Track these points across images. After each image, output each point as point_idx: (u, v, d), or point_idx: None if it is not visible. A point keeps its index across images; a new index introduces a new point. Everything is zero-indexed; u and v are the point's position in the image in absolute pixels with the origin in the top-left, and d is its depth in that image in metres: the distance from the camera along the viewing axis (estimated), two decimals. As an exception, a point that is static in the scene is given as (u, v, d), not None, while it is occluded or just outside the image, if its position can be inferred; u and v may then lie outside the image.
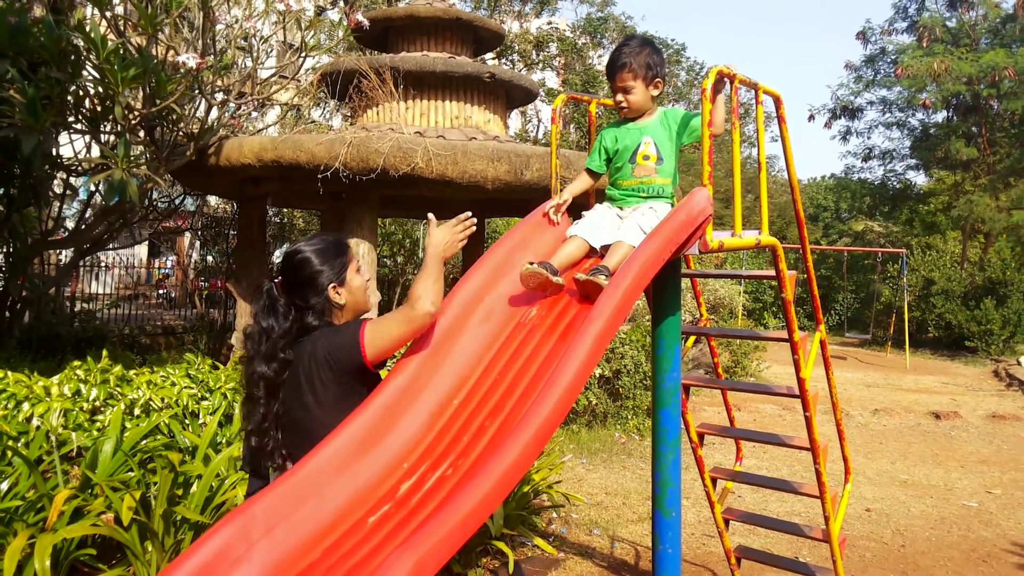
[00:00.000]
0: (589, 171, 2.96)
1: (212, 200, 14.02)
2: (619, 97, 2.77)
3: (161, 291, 17.52)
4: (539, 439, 1.86)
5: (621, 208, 2.81)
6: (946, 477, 7.46)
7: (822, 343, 3.67)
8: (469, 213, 2.58)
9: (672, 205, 2.80)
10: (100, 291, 13.64)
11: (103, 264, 13.88)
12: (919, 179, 26.87)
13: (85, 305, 11.90)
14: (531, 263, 2.52)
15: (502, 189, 6.74)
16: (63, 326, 9.90)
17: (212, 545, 1.85)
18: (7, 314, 8.12)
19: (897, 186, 25.95)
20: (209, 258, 14.82)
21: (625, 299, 2.20)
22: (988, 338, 18.38)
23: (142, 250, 19.75)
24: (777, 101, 3.02)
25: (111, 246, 9.82)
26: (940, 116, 23.62)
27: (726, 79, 2.57)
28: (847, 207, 31.41)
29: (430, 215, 2.62)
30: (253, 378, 2.34)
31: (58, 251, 10.00)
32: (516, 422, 1.96)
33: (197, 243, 15.09)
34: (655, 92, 2.80)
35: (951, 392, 12.89)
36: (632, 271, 2.28)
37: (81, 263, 11.95)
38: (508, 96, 8.67)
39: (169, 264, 20.25)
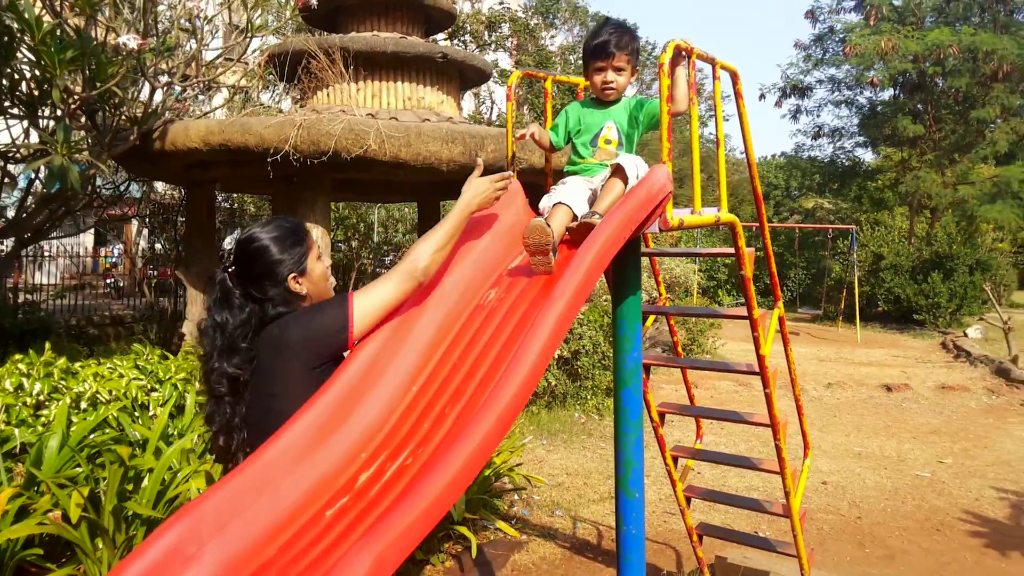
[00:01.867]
0: (550, 140, 2.87)
1: (159, 186, 13.66)
2: (610, 77, 2.68)
3: (109, 280, 17.06)
4: (502, 424, 1.80)
5: (591, 177, 2.73)
6: (899, 448, 7.63)
7: (781, 320, 3.68)
8: (510, 173, 2.57)
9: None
10: (44, 282, 13.23)
11: (47, 254, 13.47)
12: (867, 156, 27.31)
13: (29, 296, 11.53)
14: (545, 221, 2.41)
15: (457, 171, 6.65)
16: (6, 318, 9.57)
17: (161, 545, 1.76)
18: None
19: (846, 163, 26.37)
20: (157, 246, 14.47)
21: (586, 279, 2.16)
22: (936, 311, 18.83)
23: (88, 239, 19.20)
24: (734, 76, 3.00)
25: (54, 235, 9.51)
26: (887, 94, 24.01)
27: (684, 53, 2.53)
28: (797, 185, 31.88)
29: (479, 159, 2.59)
30: (214, 376, 2.18)
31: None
32: (478, 407, 1.90)
33: (145, 231, 14.72)
34: (633, 80, 2.79)
35: (901, 365, 13.19)
36: (592, 250, 2.23)
37: (23, 253, 11.57)
38: (461, 77, 8.56)
39: (116, 253, 19.73)
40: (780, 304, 3.73)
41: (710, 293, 20.73)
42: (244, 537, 1.83)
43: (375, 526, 1.64)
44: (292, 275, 2.26)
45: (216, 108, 10.49)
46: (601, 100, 2.77)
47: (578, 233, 2.49)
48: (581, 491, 5.87)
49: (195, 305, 7.99)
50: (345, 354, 2.23)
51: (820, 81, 24.86)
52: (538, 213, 2.72)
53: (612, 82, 2.69)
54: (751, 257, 3.22)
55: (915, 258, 20.28)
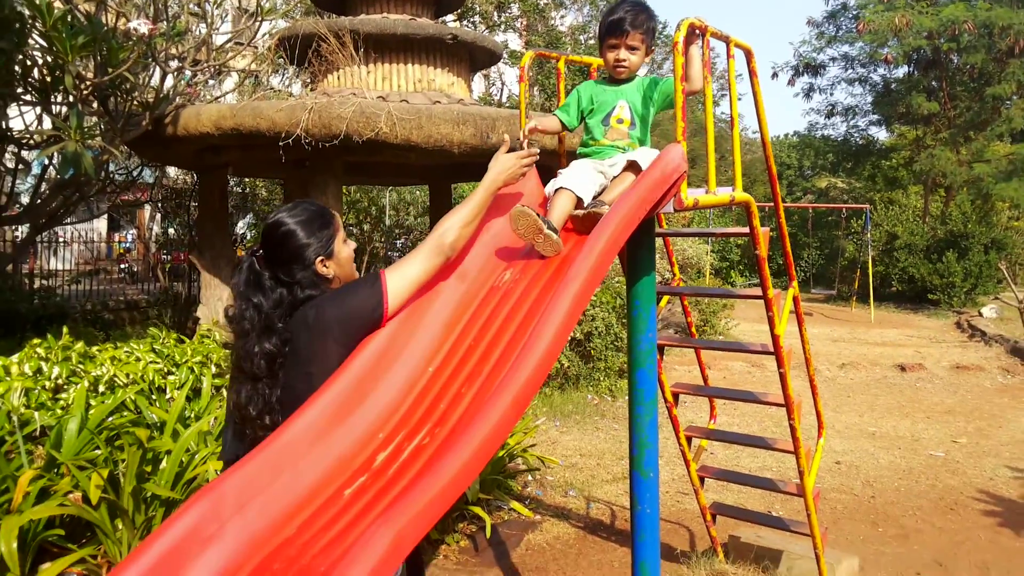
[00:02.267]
0: (561, 121, 2.84)
1: (172, 171, 13.69)
2: (623, 55, 2.65)
3: (123, 266, 17.15)
4: (518, 404, 1.81)
5: (602, 160, 2.71)
6: (913, 428, 7.62)
7: (795, 299, 3.67)
8: (536, 150, 2.57)
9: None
10: (59, 267, 13.31)
11: (61, 239, 13.55)
12: (881, 135, 27.04)
13: (44, 282, 11.62)
14: (525, 206, 2.40)
15: (468, 153, 6.64)
16: (22, 303, 9.66)
17: (181, 525, 1.78)
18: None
19: (860, 142, 26.17)
20: (171, 231, 14.52)
21: (602, 260, 2.16)
22: (950, 291, 18.72)
23: (101, 224, 19.30)
24: (748, 55, 2.97)
25: (68, 221, 9.56)
26: (901, 71, 23.78)
27: (698, 32, 2.51)
28: (810, 164, 31.65)
29: (505, 135, 2.59)
30: (255, 357, 2.18)
31: (13, 228, 9.71)
32: (494, 388, 1.91)
33: (158, 216, 14.77)
34: (647, 60, 2.76)
35: (915, 345, 13.14)
36: (607, 231, 2.23)
37: (38, 239, 11.64)
38: (471, 58, 8.52)
39: (130, 238, 19.82)
40: (795, 284, 3.72)
41: (723, 274, 20.67)
42: (264, 516, 1.85)
43: (394, 504, 1.65)
44: (320, 258, 2.28)
45: (227, 93, 10.50)
46: (614, 79, 2.75)
47: (585, 223, 2.48)
48: (594, 472, 5.90)
49: (209, 289, 8.03)
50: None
51: (833, 59, 24.66)
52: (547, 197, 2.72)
53: (624, 60, 2.66)
54: (766, 237, 3.21)
55: (929, 237, 20.14)
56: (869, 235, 18.18)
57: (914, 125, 23.42)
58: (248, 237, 15.10)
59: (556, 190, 2.61)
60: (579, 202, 2.59)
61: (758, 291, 3.29)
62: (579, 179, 2.64)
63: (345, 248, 2.37)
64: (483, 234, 2.57)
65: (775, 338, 3.36)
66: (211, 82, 11.06)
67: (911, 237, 20.12)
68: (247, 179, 13.49)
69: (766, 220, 18.74)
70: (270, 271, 2.27)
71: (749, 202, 2.98)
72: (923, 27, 20.22)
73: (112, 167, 9.90)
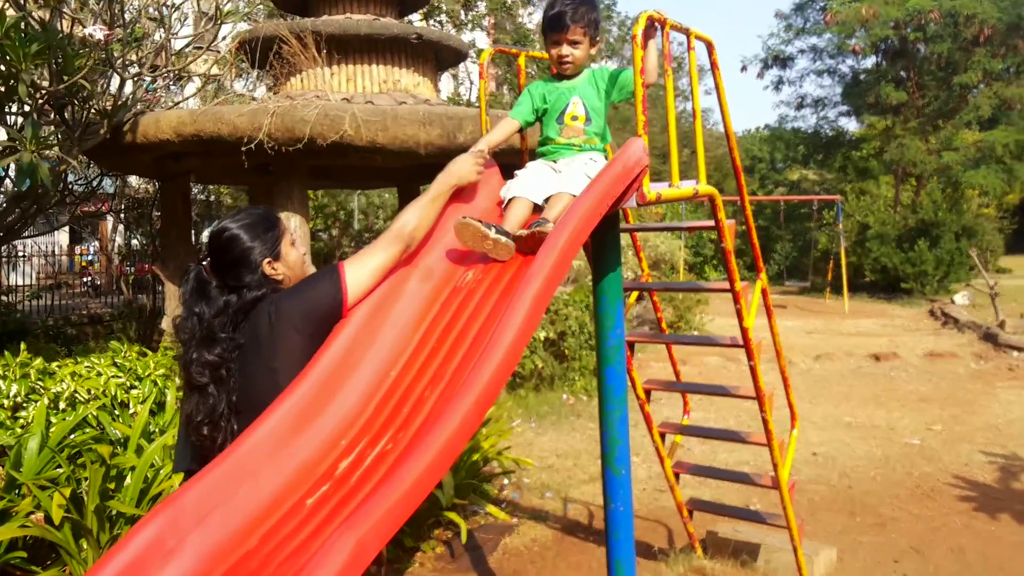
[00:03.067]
0: (516, 121, 2.78)
1: (133, 180, 13.46)
2: (565, 50, 2.62)
3: (86, 279, 16.85)
4: (480, 406, 1.76)
5: (555, 161, 2.69)
6: (888, 417, 7.66)
7: (764, 292, 3.64)
8: (483, 149, 2.62)
9: (606, 158, 2.69)
10: (19, 282, 13.04)
11: (21, 253, 13.27)
12: (851, 126, 27.26)
13: (4, 298, 11.37)
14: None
15: (435, 154, 6.55)
16: (-20, 320, 9.45)
17: (141, 539, 1.74)
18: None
19: (830, 133, 26.35)
20: (134, 242, 14.28)
21: (563, 256, 2.11)
22: (923, 279, 18.92)
23: (63, 237, 18.94)
24: (709, 47, 2.94)
25: (28, 234, 9.35)
26: (869, 61, 23.98)
27: (657, 24, 2.47)
28: (782, 157, 31.88)
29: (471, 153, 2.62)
30: (195, 367, 2.16)
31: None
32: (457, 390, 1.86)
33: (120, 227, 14.51)
34: (593, 51, 2.70)
35: (889, 334, 13.25)
36: (569, 227, 2.18)
37: (-3, 253, 11.41)
38: (437, 58, 8.44)
39: (92, 250, 19.47)
40: (763, 276, 3.70)
41: (696, 269, 20.75)
42: (224, 528, 1.80)
43: (355, 512, 1.60)
44: (267, 260, 2.28)
45: (188, 98, 10.33)
46: (563, 75, 2.71)
47: (528, 243, 2.39)
48: (571, 472, 5.86)
49: (174, 301, 7.88)
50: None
51: (802, 51, 24.80)
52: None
53: (568, 56, 2.63)
54: (732, 229, 3.19)
55: (901, 227, 20.34)
56: (841, 226, 18.31)
57: (883, 115, 23.63)
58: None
59: (510, 199, 2.61)
60: (535, 207, 2.58)
61: (726, 284, 3.26)
62: (531, 185, 2.63)
63: (293, 251, 2.37)
64: (445, 236, 2.51)
65: (744, 331, 3.33)
66: (172, 88, 10.88)
67: (883, 227, 20.30)
68: (211, 187, 13.31)
69: (738, 213, 18.84)
70: (218, 278, 2.27)
71: (714, 195, 2.95)
72: (890, 17, 20.42)
73: (71, 178, 9.70)
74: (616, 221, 2.77)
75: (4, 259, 12.82)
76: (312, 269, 2.46)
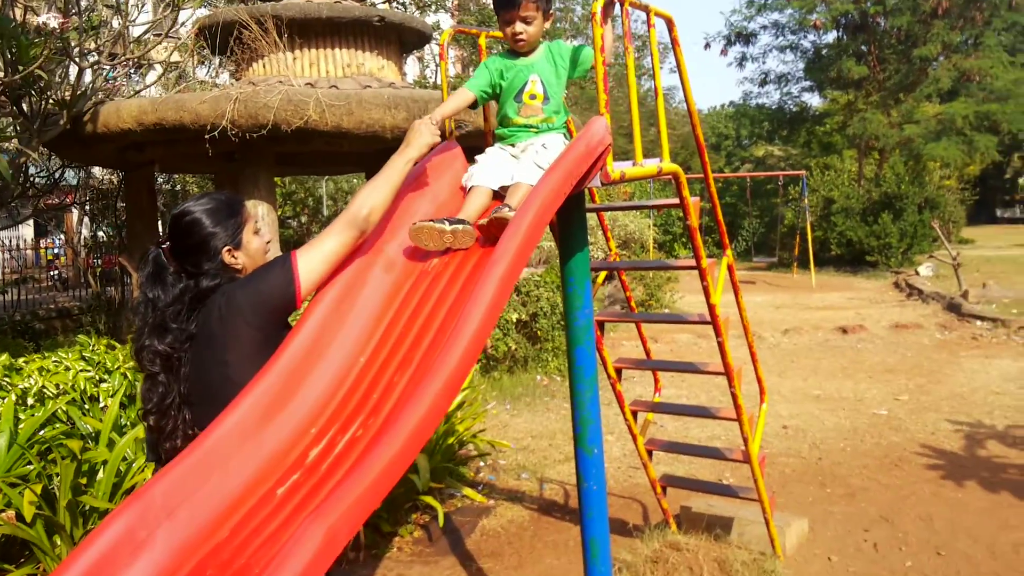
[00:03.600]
0: (472, 94, 2.70)
1: (97, 172, 13.24)
2: (519, 27, 2.58)
3: (53, 272, 16.56)
4: (449, 389, 1.77)
5: (513, 145, 2.68)
6: (856, 388, 7.79)
7: (730, 268, 3.68)
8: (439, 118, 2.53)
9: (566, 137, 2.69)
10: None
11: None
12: (814, 101, 27.58)
13: (-32, 293, 11.17)
14: (416, 222, 2.34)
15: (401, 137, 6.49)
16: (-54, 317, 9.27)
17: (110, 533, 1.73)
18: None
19: (794, 109, 26.60)
20: (100, 234, 14.05)
21: (527, 238, 2.11)
22: (887, 251, 19.21)
23: (27, 230, 18.59)
24: (669, 23, 2.95)
25: (-10, 228, 9.19)
26: (831, 36, 24.19)
27: (615, 2, 2.47)
28: (747, 134, 32.14)
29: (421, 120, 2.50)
30: (146, 354, 2.13)
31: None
32: (425, 375, 1.87)
33: (86, 219, 14.27)
34: (547, 26, 2.66)
35: (856, 307, 13.45)
36: (533, 208, 2.19)
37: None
38: (401, 40, 8.37)
39: (58, 243, 19.12)
40: (729, 252, 3.73)
41: (666, 248, 20.87)
42: (194, 520, 1.80)
43: (325, 500, 1.60)
44: (227, 248, 2.23)
45: (149, 86, 10.15)
46: (520, 52, 2.68)
47: (490, 229, 2.36)
48: (547, 453, 5.90)
49: (143, 291, 7.81)
50: (294, 318, 2.21)
51: (764, 27, 24.96)
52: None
53: (521, 33, 2.59)
54: (696, 207, 3.21)
55: (865, 200, 20.61)
56: (807, 201, 18.50)
57: (845, 90, 23.89)
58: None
59: (470, 188, 2.60)
60: (494, 195, 2.58)
61: (692, 262, 3.29)
62: (489, 172, 2.62)
63: (255, 239, 2.32)
64: (409, 220, 2.50)
65: (711, 307, 3.37)
66: (133, 77, 10.68)
67: (847, 201, 20.56)
68: (176, 176, 13.13)
69: (705, 191, 18.99)
70: (177, 264, 2.22)
71: (677, 172, 2.96)
72: (850, -9, 20.60)
73: (32, 170, 9.52)
74: (582, 201, 2.77)
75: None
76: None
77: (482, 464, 5.61)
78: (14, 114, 6.48)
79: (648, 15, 2.75)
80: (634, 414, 3.95)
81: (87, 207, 13.24)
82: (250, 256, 2.28)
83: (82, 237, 14.67)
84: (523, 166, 2.56)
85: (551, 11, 2.66)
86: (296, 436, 1.97)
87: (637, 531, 4.33)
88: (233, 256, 2.24)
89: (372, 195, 2.25)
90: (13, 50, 5.82)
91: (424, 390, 1.71)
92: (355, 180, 14.84)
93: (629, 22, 2.58)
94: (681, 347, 9.79)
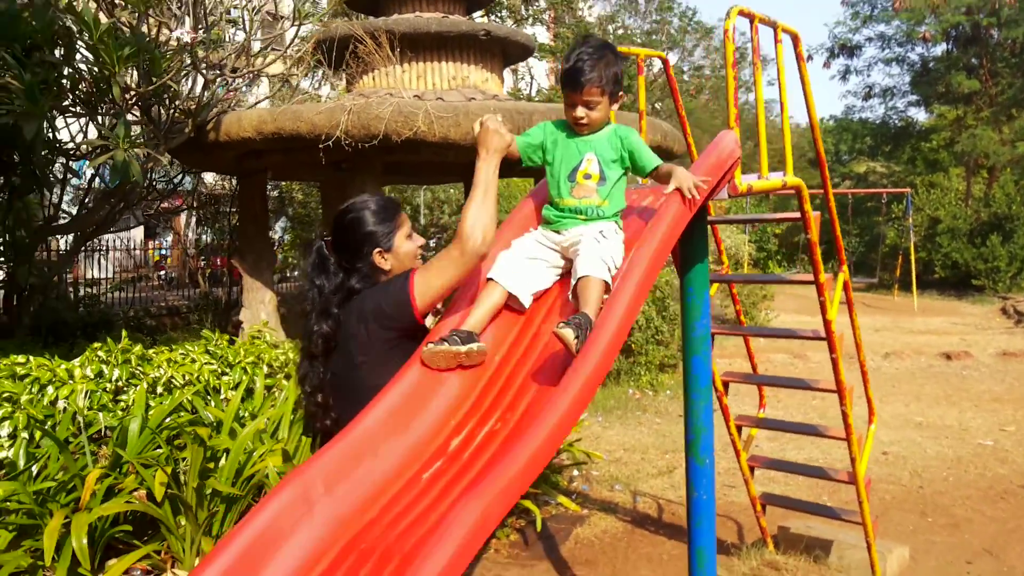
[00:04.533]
0: (520, 147, 2.49)
1: (209, 178, 13.92)
2: (579, 112, 2.36)
3: (161, 272, 17.46)
4: (589, 387, 1.88)
5: (558, 232, 2.44)
6: (960, 417, 7.51)
7: (845, 284, 3.65)
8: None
9: (619, 230, 2.45)
10: (99, 276, 13.56)
11: (103, 248, 13.80)
12: (920, 116, 26.60)
13: (89, 290, 11.86)
14: (431, 343, 2.18)
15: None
16: (68, 312, 9.87)
17: (274, 507, 1.86)
18: (15, 302, 8.10)
19: (899, 124, 25.74)
20: (205, 237, 14.73)
21: (662, 245, 2.20)
22: (995, 275, 18.37)
23: (137, 232, 19.63)
24: (795, 39, 2.97)
25: (113, 229, 9.77)
26: (940, 49, 23.37)
27: (748, 18, 2.52)
28: (847, 149, 31.21)
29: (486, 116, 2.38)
30: (315, 337, 2.32)
31: (58, 237, 9.92)
32: (566, 372, 1.95)
33: (193, 222, 14.99)
34: (616, 108, 2.47)
35: (960, 332, 12.92)
36: (667, 217, 2.26)
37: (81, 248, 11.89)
38: (504, 54, 8.54)
39: (166, 245, 20.12)
40: (845, 268, 3.70)
41: (761, 264, 20.48)
42: (349, 498, 1.93)
43: (477, 482, 1.71)
44: (378, 250, 2.35)
45: (262, 100, 10.63)
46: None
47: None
48: (639, 466, 5.90)
49: (251, 292, 8.13)
50: (422, 320, 2.31)
51: (869, 39, 24.32)
52: None
53: (583, 118, 2.37)
54: (819, 220, 3.22)
55: (973, 221, 19.79)
56: (911, 220, 17.87)
57: (954, 105, 22.99)
58: (285, 240, 15.29)
59: (487, 280, 2.35)
60: (509, 296, 2.34)
61: (809, 277, 3.29)
62: (523, 276, 2.37)
63: (407, 244, 2.42)
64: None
65: (827, 323, 3.35)
66: (244, 88, 11.19)
67: (954, 221, 19.76)
68: (283, 183, 13.66)
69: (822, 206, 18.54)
70: (336, 256, 2.38)
71: (800, 186, 2.98)
72: (962, 2, 19.87)
73: (154, 175, 10.08)
74: (705, 213, 2.81)
75: (87, 253, 13.33)
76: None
77: (575, 473, 5.66)
78: (144, 122, 6.90)
79: (775, 31, 2.78)
80: (738, 429, 3.94)
81: (197, 211, 13.92)
82: (399, 260, 2.39)
83: (191, 240, 15.42)
84: (586, 259, 2.26)
85: (620, 94, 2.43)
86: (438, 426, 2.10)
87: (734, 549, 4.30)
88: (383, 258, 2.36)
89: (481, 217, 2.18)
90: (147, 63, 6.23)
91: (567, 385, 1.81)
92: (451, 190, 15.14)
93: (758, 38, 2.62)
94: (777, 366, 9.59)
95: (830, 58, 24.68)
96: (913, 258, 17.34)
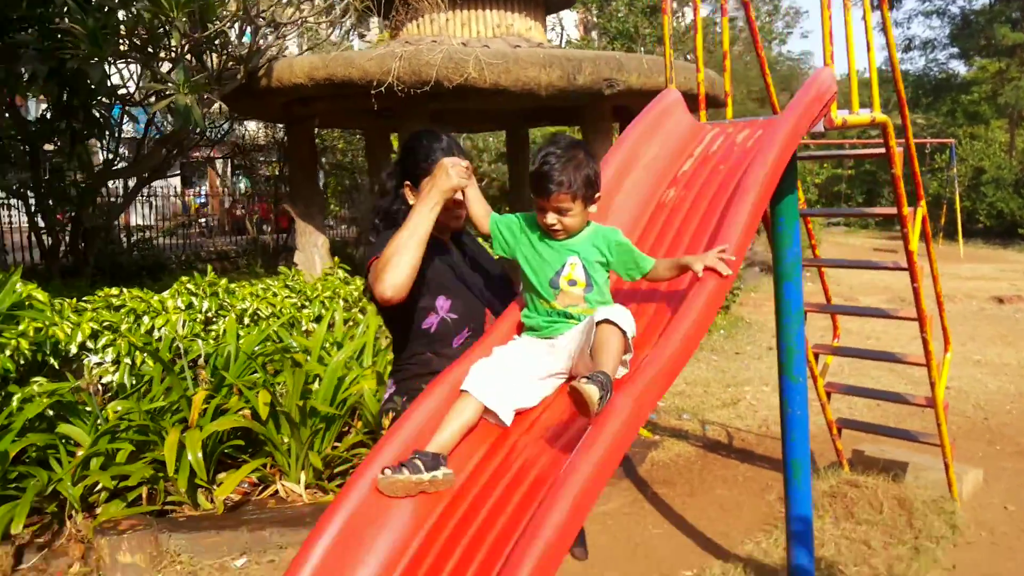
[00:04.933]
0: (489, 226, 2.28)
1: (252, 126, 14.05)
2: (550, 219, 2.11)
3: (203, 219, 17.73)
4: (700, 326, 1.97)
5: (551, 337, 2.14)
6: (1018, 356, 7.58)
7: (924, 219, 3.72)
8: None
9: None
10: (141, 223, 13.82)
11: (150, 195, 14.04)
12: (961, 69, 26.01)
13: (141, 235, 12.13)
14: (384, 470, 1.87)
15: (555, 95, 6.66)
16: (123, 256, 10.13)
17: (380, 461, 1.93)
18: (81, 243, 8.34)
19: (939, 76, 25.23)
20: (240, 185, 14.87)
21: (773, 170, 2.28)
22: (1041, 225, 18.20)
23: (175, 180, 19.85)
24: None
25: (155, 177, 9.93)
26: (982, 2, 22.76)
27: None
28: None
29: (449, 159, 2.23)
30: None
31: (113, 182, 10.10)
32: (673, 321, 2.01)
33: (228, 171, 15.14)
34: (593, 209, 2.17)
35: (1010, 278, 12.90)
36: (776, 143, 2.33)
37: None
38: (547, 3, 8.51)
39: (203, 193, 20.35)
40: (923, 203, 3.76)
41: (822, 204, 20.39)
42: None
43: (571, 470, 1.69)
44: (407, 184, 2.41)
45: (312, 48, 10.65)
46: None
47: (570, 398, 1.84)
48: (703, 399, 6.03)
49: (304, 236, 8.26)
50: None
51: (910, -10, 23.69)
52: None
53: (555, 224, 2.12)
54: (901, 156, 3.28)
55: (1018, 171, 19.51)
56: (955, 170, 17.65)
57: (997, 57, 22.46)
58: (328, 187, 15.45)
59: (461, 391, 2.03)
60: (484, 410, 2.01)
61: (893, 210, 3.36)
62: (499, 384, 2.04)
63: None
64: (638, 161, 2.70)
65: (908, 254, 3.43)
66: (288, 37, 11.21)
67: (998, 171, 19.50)
68: (323, 132, 13.76)
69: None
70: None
71: (886, 123, 3.06)
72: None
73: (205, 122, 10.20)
74: (795, 146, 2.89)
75: (139, 200, 13.56)
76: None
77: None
78: (196, 68, 6.98)
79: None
80: (816, 356, 4.04)
81: (234, 160, 14.05)
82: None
83: (227, 188, 15.57)
84: (605, 310, 2.00)
85: (595, 196, 2.17)
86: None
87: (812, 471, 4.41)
88: (411, 191, 2.38)
89: (393, 262, 2.09)
90: (202, 9, 6.28)
91: (678, 326, 1.91)
92: (491, 139, 15.15)
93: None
94: (846, 335, 9.57)
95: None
96: (958, 207, 17.18)
